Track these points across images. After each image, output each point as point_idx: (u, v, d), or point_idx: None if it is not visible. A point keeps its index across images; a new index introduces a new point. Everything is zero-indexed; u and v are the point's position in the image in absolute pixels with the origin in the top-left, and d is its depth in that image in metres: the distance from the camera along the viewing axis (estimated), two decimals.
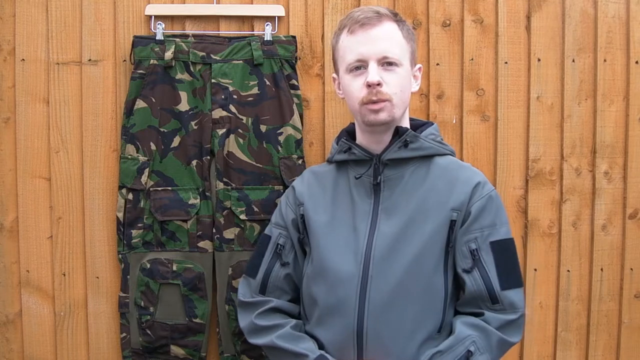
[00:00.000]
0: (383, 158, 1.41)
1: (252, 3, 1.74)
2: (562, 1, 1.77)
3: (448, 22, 1.77)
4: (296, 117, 1.72)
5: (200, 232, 1.71)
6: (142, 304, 1.70)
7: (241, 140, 1.71)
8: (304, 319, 1.47)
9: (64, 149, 1.74)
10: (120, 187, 1.71)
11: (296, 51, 1.73)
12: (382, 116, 1.37)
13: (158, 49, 1.69)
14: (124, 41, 1.73)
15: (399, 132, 1.41)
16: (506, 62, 1.77)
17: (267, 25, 1.72)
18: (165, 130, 1.71)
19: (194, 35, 1.72)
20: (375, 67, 1.35)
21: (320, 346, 1.39)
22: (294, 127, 1.72)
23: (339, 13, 1.74)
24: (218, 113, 1.70)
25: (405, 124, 1.46)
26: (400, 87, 1.38)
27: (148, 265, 1.70)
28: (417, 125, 1.49)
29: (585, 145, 1.80)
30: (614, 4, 1.78)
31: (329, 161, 1.53)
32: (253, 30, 1.75)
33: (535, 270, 1.80)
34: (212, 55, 1.70)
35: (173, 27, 1.74)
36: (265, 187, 1.71)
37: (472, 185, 1.38)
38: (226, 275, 1.70)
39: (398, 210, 1.38)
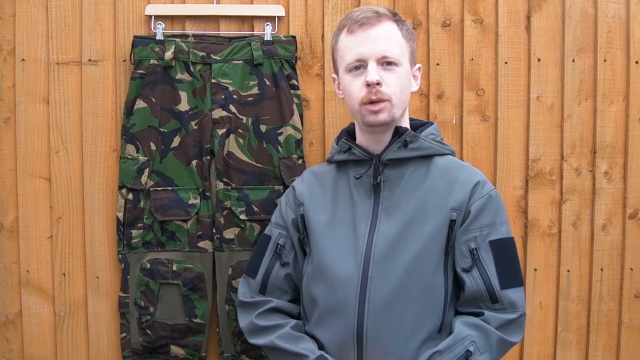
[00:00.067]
0: (383, 158, 1.41)
1: (252, 3, 1.74)
2: (562, 1, 1.77)
3: (448, 22, 1.77)
4: (296, 117, 1.72)
5: (200, 232, 1.71)
6: (142, 304, 1.70)
7: (241, 140, 1.71)
8: (304, 319, 1.47)
9: (64, 149, 1.74)
10: (120, 187, 1.71)
11: (296, 51, 1.73)
12: (382, 117, 1.37)
13: (158, 49, 1.69)
14: (124, 41, 1.73)
15: (398, 132, 1.41)
16: (506, 62, 1.77)
17: (267, 25, 1.72)
18: (165, 130, 1.71)
19: (194, 35, 1.72)
20: (375, 67, 1.35)
21: (320, 346, 1.39)
22: (294, 127, 1.72)
23: (339, 13, 1.74)
24: (218, 113, 1.70)
25: (405, 123, 1.46)
26: (399, 87, 1.38)
27: (148, 265, 1.70)
28: (417, 125, 1.49)
29: (585, 145, 1.80)
30: (614, 4, 1.78)
31: (329, 161, 1.53)
32: (253, 30, 1.75)
33: (535, 270, 1.80)
34: (212, 55, 1.70)
35: (173, 27, 1.74)
36: (265, 187, 1.71)
37: (472, 184, 1.38)
38: (226, 275, 1.70)
39: (398, 210, 1.38)
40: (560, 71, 1.79)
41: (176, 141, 1.71)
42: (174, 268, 1.70)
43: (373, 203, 1.41)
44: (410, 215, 1.37)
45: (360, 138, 1.48)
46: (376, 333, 1.32)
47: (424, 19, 1.77)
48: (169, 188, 1.71)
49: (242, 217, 1.70)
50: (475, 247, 1.35)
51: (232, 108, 1.71)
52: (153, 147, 1.70)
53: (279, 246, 1.50)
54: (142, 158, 1.70)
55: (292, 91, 1.72)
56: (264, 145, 1.71)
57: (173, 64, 1.69)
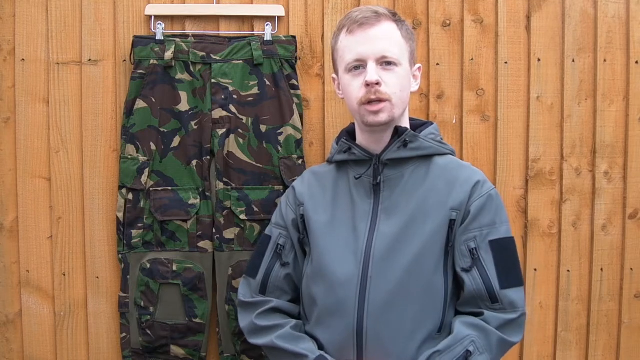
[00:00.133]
0: (383, 158, 1.41)
1: (252, 3, 1.74)
2: (562, 1, 1.77)
3: (448, 22, 1.77)
4: (296, 117, 1.72)
5: (200, 232, 1.71)
6: (142, 304, 1.70)
7: (241, 140, 1.71)
8: (304, 319, 1.47)
9: (64, 149, 1.74)
10: (120, 187, 1.71)
11: (296, 51, 1.73)
12: (382, 117, 1.37)
13: (158, 49, 1.69)
14: (124, 41, 1.73)
15: (398, 132, 1.41)
16: (506, 62, 1.77)
17: (267, 25, 1.72)
18: (165, 130, 1.71)
19: (194, 35, 1.72)
20: (374, 67, 1.35)
21: (320, 346, 1.39)
22: (294, 127, 1.72)
23: (339, 13, 1.74)
24: (218, 113, 1.70)
25: (405, 123, 1.46)
26: (399, 87, 1.38)
27: (148, 265, 1.70)
28: (417, 125, 1.49)
29: (585, 145, 1.80)
30: (614, 4, 1.78)
31: (329, 161, 1.53)
32: (253, 30, 1.75)
33: (535, 270, 1.80)
34: (212, 55, 1.70)
35: (173, 27, 1.74)
36: (265, 187, 1.71)
37: (472, 184, 1.38)
38: (226, 275, 1.70)
39: (398, 210, 1.38)
40: (560, 71, 1.79)
41: (176, 141, 1.71)
42: (174, 268, 1.70)
43: (373, 203, 1.41)
44: (410, 215, 1.37)
45: (360, 138, 1.48)
46: (376, 333, 1.32)
47: (424, 19, 1.77)
48: (169, 188, 1.71)
49: (242, 217, 1.70)
50: (475, 247, 1.35)
51: (232, 108, 1.71)
52: (153, 147, 1.70)
53: (279, 246, 1.50)
54: (142, 158, 1.70)
55: (292, 91, 1.72)
56: (264, 145, 1.71)
57: (173, 64, 1.69)
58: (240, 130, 1.71)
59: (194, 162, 1.71)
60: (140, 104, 1.69)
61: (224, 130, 1.70)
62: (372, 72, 1.34)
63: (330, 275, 1.37)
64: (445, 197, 1.37)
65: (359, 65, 1.37)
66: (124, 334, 1.73)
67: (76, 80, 1.73)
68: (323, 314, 1.39)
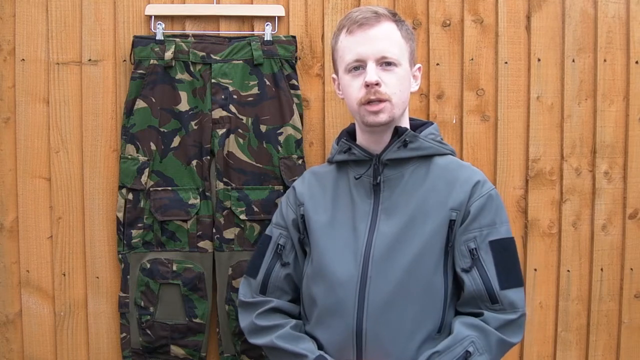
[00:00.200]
0: (382, 158, 1.41)
1: (252, 3, 1.74)
2: (562, 1, 1.77)
3: (448, 22, 1.77)
4: (296, 117, 1.72)
5: (200, 232, 1.71)
6: (142, 304, 1.70)
7: (241, 140, 1.71)
8: (304, 319, 1.47)
9: (64, 149, 1.74)
10: (120, 187, 1.71)
11: (296, 51, 1.73)
12: (382, 117, 1.37)
13: (158, 49, 1.69)
14: (124, 41, 1.73)
15: (398, 132, 1.41)
16: (506, 62, 1.77)
17: (267, 25, 1.72)
18: (165, 130, 1.71)
19: (194, 35, 1.72)
20: (374, 67, 1.35)
21: (320, 346, 1.39)
22: (294, 127, 1.72)
23: (339, 13, 1.74)
24: (218, 113, 1.70)
25: (405, 123, 1.46)
26: (399, 87, 1.38)
27: (148, 265, 1.70)
28: (417, 125, 1.49)
29: (585, 145, 1.80)
30: (614, 4, 1.78)
31: (329, 161, 1.53)
32: (253, 30, 1.75)
33: (535, 270, 1.80)
34: (212, 55, 1.70)
35: (173, 27, 1.74)
36: (265, 187, 1.71)
37: (472, 184, 1.38)
38: (226, 275, 1.70)
39: (398, 210, 1.38)
40: (560, 71, 1.79)
41: (176, 141, 1.71)
42: (174, 268, 1.70)
43: (373, 203, 1.41)
44: (410, 216, 1.37)
45: (360, 138, 1.48)
46: (375, 333, 1.32)
47: (424, 19, 1.77)
48: (169, 188, 1.71)
49: (242, 217, 1.70)
50: (475, 247, 1.35)
51: (232, 108, 1.71)
52: (153, 147, 1.70)
53: (279, 246, 1.50)
54: (142, 158, 1.70)
55: (292, 91, 1.72)
56: (264, 145, 1.71)
57: (173, 64, 1.69)
58: (240, 130, 1.71)
59: (194, 162, 1.71)
60: (140, 104, 1.69)
61: (224, 130, 1.70)
62: (372, 73, 1.34)
63: (330, 275, 1.37)
64: (445, 197, 1.37)
65: (359, 66, 1.37)
66: (124, 334, 1.73)
67: (76, 80, 1.73)
68: (323, 314, 1.39)
